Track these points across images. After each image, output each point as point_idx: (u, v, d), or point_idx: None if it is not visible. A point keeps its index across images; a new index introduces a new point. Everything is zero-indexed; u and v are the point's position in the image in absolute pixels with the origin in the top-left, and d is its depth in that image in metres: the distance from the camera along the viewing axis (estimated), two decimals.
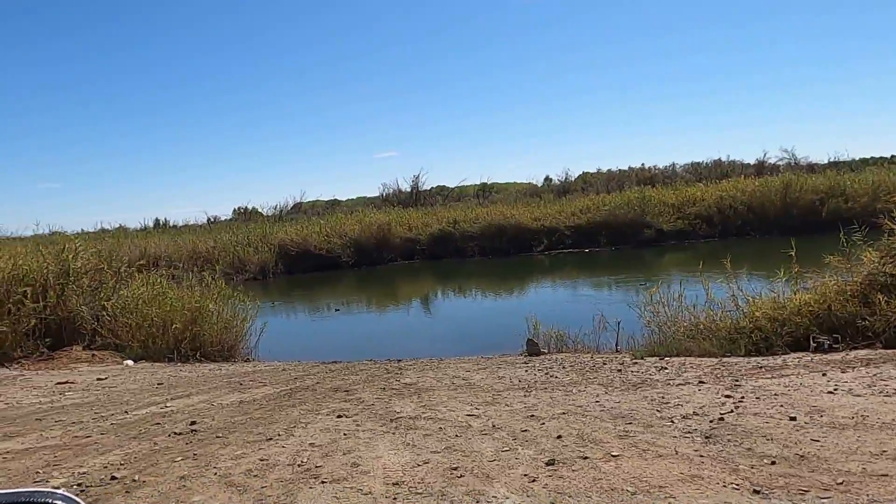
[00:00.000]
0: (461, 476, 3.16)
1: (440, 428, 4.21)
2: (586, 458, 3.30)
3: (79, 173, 67.96)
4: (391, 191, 33.82)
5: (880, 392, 4.35)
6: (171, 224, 32.96)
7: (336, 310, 16.76)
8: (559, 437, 3.74)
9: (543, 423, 4.13)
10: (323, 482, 3.23)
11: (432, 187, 37.30)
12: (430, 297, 18.59)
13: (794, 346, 6.88)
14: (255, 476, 3.44)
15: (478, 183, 38.16)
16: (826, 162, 32.34)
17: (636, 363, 7.08)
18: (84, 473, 3.67)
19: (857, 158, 34.09)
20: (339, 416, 4.80)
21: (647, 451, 3.34)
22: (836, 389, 4.54)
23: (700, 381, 5.40)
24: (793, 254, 8.07)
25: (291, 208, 33.33)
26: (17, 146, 66.52)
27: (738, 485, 2.82)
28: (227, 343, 10.57)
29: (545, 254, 23.97)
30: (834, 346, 6.58)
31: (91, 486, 3.43)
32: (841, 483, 2.77)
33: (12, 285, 10.02)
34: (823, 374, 5.16)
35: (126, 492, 3.30)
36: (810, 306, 7.11)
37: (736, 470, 3.01)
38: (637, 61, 75.48)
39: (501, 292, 18.29)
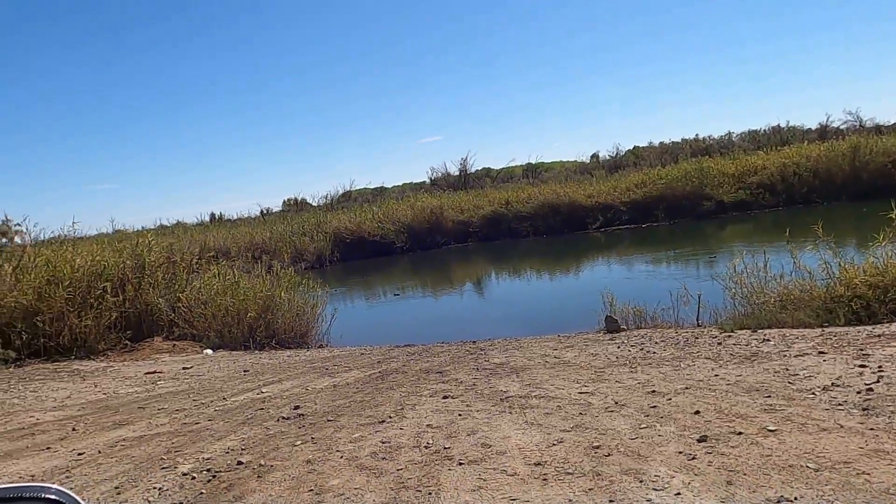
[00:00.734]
0: (608, 455, 2.97)
1: (558, 406, 4.04)
2: (740, 433, 3.06)
3: (133, 173, 70.11)
4: (439, 175, 33.66)
5: None
6: (226, 218, 33.64)
7: (395, 294, 16.79)
8: (697, 412, 3.52)
9: (670, 399, 3.90)
10: (460, 463, 3.09)
11: (477, 170, 37.01)
12: (488, 279, 18.42)
13: None
14: (383, 459, 3.34)
15: (524, 163, 37.69)
16: (895, 122, 30.52)
17: (730, 336, 6.74)
18: (208, 459, 3.64)
19: None
20: (444, 398, 4.68)
21: (807, 426, 3.08)
22: None
23: (819, 352, 5.05)
24: (894, 216, 7.57)
25: (341, 197, 33.57)
26: (72, 150, 69.09)
27: None
28: (300, 330, 10.65)
29: (601, 231, 23.44)
30: None
31: (220, 471, 3.39)
32: None
33: (93, 280, 10.31)
34: None
35: (258, 476, 3.24)
36: None
37: None
38: (685, 29, 72.81)
39: (560, 271, 17.97)
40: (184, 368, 8.07)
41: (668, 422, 3.41)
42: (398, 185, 40.66)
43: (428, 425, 3.90)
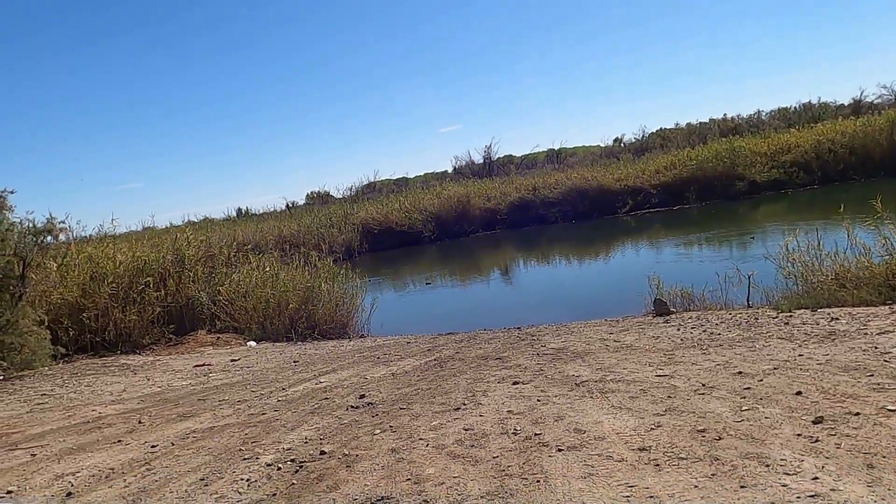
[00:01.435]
0: (718, 438, 2.82)
1: (641, 390, 3.89)
2: (857, 413, 2.89)
3: (159, 171, 71.01)
4: (463, 163, 33.44)
5: None
6: (252, 212, 33.81)
7: (427, 283, 16.69)
8: (798, 393, 3.34)
9: (761, 380, 3.73)
10: (559, 450, 2.96)
11: (499, 157, 36.66)
12: (520, 266, 18.25)
13: None
14: (472, 446, 3.22)
15: (546, 149, 37.28)
16: None
17: (791, 317, 6.52)
18: (289, 449, 3.57)
19: None
20: (514, 383, 4.55)
21: None
22: None
23: None
24: None
25: (365, 187, 33.53)
26: (99, 151, 70.08)
27: None
28: (340, 320, 10.61)
29: (630, 215, 23.10)
30: None
31: (305, 461, 3.31)
32: None
33: (135, 276, 10.37)
34: None
35: (346, 466, 3.14)
36: None
37: None
38: (706, 6, 71.23)
39: (593, 256, 17.71)
40: (232, 360, 8.06)
41: (770, 403, 3.24)
42: (420, 176, 40.53)
43: (509, 411, 3.77)
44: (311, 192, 37.16)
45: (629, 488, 2.43)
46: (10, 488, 3.44)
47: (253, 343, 9.67)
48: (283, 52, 78.58)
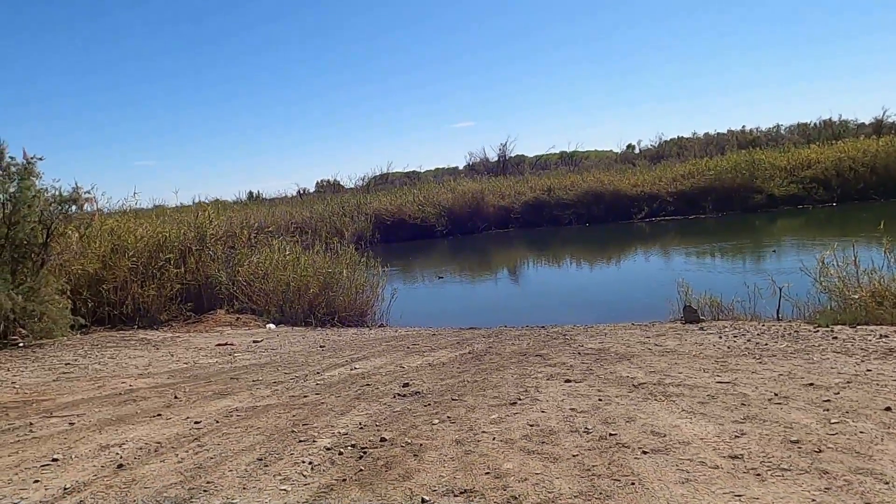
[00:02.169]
0: (819, 451, 2.68)
1: (708, 396, 3.74)
2: None
3: (171, 149, 70.94)
4: (477, 159, 33.24)
5: None
6: (263, 197, 33.63)
7: (439, 277, 16.53)
8: (888, 409, 3.20)
9: (838, 393, 3.58)
10: (644, 452, 2.82)
11: (511, 157, 36.43)
12: (534, 266, 18.09)
13: None
14: (542, 442, 3.08)
15: (559, 151, 37.09)
16: None
17: (832, 331, 6.37)
18: (345, 434, 3.42)
19: None
20: (566, 381, 4.41)
21: None
22: None
23: None
24: None
25: (377, 178, 33.34)
26: (115, 124, 70.00)
27: None
28: (359, 309, 10.46)
29: (645, 221, 22.92)
30: None
31: (366, 447, 3.16)
32: None
33: (155, 251, 10.23)
34: None
35: (414, 455, 3.00)
36: None
37: None
38: (728, 16, 70.91)
39: (607, 260, 17.53)
40: (254, 342, 7.91)
41: (859, 417, 3.09)
42: (431, 170, 40.35)
43: (571, 409, 3.62)
44: (322, 181, 37.00)
45: (736, 497, 2.29)
46: (55, 455, 3.30)
47: (272, 325, 9.53)
48: (299, 38, 78.37)
